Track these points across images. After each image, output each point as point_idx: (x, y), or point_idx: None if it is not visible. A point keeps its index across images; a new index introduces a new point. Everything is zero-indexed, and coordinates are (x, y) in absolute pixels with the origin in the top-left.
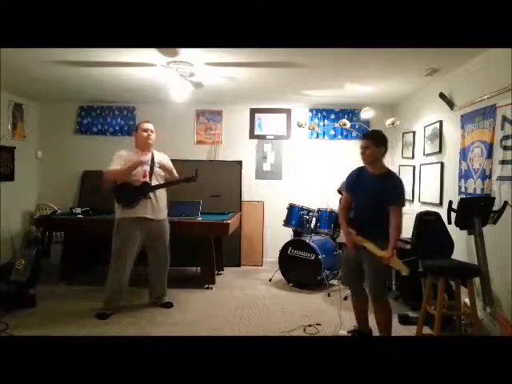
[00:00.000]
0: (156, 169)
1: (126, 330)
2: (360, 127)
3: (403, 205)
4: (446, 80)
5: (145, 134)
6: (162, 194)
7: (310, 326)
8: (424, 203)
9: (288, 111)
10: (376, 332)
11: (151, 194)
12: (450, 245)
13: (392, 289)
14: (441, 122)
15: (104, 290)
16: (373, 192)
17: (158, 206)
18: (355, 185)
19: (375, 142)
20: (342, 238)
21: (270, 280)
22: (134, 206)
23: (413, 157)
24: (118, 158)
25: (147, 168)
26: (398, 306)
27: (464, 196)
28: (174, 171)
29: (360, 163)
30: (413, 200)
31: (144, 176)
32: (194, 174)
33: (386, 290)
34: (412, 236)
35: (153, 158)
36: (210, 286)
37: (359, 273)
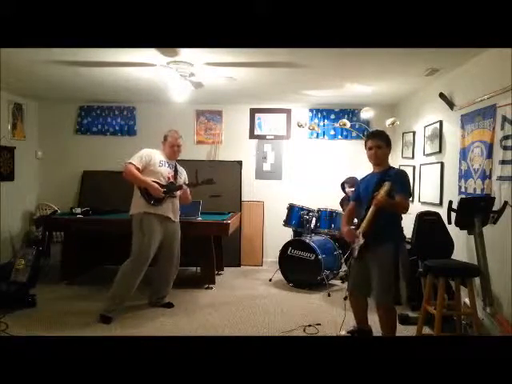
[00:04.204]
0: (178, 178)
1: (126, 330)
2: (360, 127)
3: (409, 193)
4: (446, 80)
5: (173, 149)
6: (176, 198)
7: (310, 326)
8: (424, 203)
9: (288, 111)
10: (376, 332)
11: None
12: (450, 245)
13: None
14: (441, 122)
15: (115, 286)
16: (373, 186)
17: (177, 207)
18: (360, 189)
19: (386, 141)
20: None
21: (270, 280)
22: (161, 203)
23: (413, 157)
24: (143, 154)
25: (171, 172)
26: (398, 306)
27: (464, 196)
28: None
29: (361, 163)
30: (413, 200)
31: (168, 179)
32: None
33: (392, 297)
34: (412, 236)
35: (176, 166)
36: (210, 285)
37: (361, 280)
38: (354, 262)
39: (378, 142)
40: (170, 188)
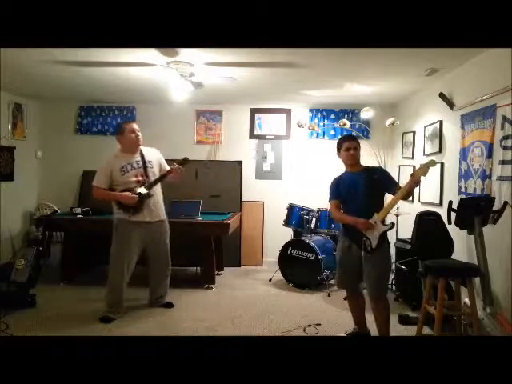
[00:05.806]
0: (149, 169)
1: (126, 330)
2: (360, 127)
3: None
4: (446, 80)
5: (133, 135)
6: (157, 195)
7: (309, 326)
8: (424, 203)
9: (288, 111)
10: (374, 333)
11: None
12: (450, 245)
13: (392, 289)
14: (441, 122)
15: (106, 292)
16: (363, 185)
17: (155, 208)
18: (341, 189)
19: (359, 144)
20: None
21: (270, 280)
22: (141, 210)
23: (413, 157)
24: (102, 172)
25: (139, 171)
26: (398, 305)
27: (464, 196)
28: (167, 167)
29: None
30: (413, 200)
31: (137, 182)
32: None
33: (386, 290)
34: (412, 236)
35: (143, 157)
36: (210, 285)
37: (357, 274)
38: (347, 257)
39: (355, 144)
40: (143, 197)
